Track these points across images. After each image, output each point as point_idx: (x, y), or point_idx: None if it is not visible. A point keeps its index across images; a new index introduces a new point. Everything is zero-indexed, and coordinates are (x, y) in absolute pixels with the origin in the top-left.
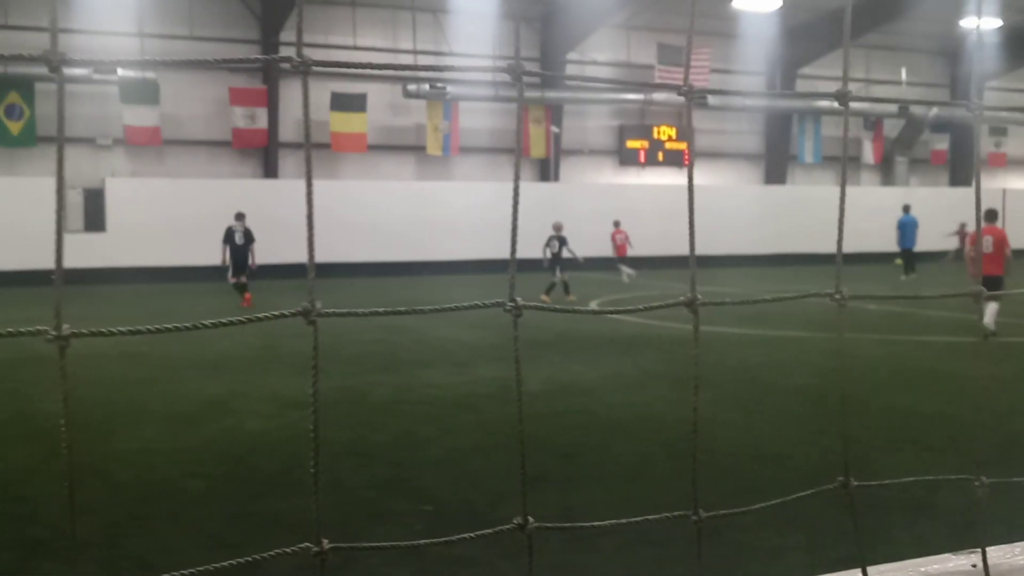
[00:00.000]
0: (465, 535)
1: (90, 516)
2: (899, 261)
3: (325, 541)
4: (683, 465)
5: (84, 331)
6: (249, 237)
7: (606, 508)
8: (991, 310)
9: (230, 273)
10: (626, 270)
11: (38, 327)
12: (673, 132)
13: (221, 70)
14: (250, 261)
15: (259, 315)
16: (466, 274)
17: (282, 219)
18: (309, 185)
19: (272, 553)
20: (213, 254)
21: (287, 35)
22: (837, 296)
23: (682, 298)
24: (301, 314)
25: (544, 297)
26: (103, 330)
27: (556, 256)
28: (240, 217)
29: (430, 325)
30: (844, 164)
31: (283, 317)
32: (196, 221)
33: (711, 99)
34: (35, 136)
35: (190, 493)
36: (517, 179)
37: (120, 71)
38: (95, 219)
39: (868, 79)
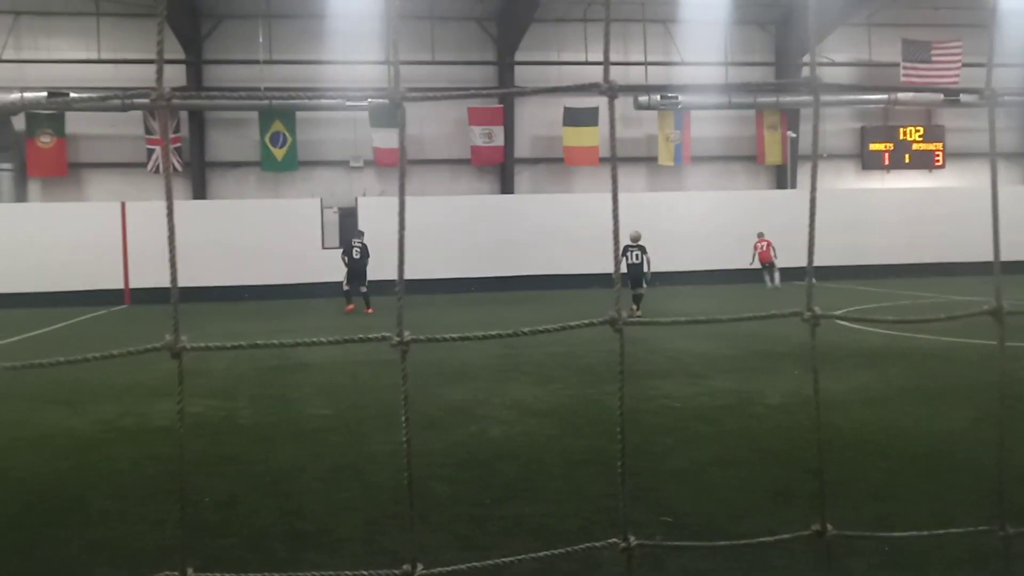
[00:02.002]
0: (763, 539)
1: (349, 513)
2: None
3: (632, 537)
4: (937, 485)
5: (422, 337)
6: (366, 252)
7: (855, 526)
8: None
9: (345, 283)
10: (769, 279)
11: (383, 334)
12: (921, 132)
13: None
14: (363, 275)
15: (570, 323)
16: (699, 284)
17: (518, 232)
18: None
19: (583, 547)
20: (452, 267)
21: (523, 55)
22: None
23: (986, 307)
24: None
25: (636, 310)
26: (437, 336)
27: (634, 267)
28: (360, 234)
29: (665, 335)
30: None
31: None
32: (441, 235)
33: (962, 96)
34: (296, 161)
35: (439, 495)
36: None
37: (369, 99)
38: (350, 236)
39: None
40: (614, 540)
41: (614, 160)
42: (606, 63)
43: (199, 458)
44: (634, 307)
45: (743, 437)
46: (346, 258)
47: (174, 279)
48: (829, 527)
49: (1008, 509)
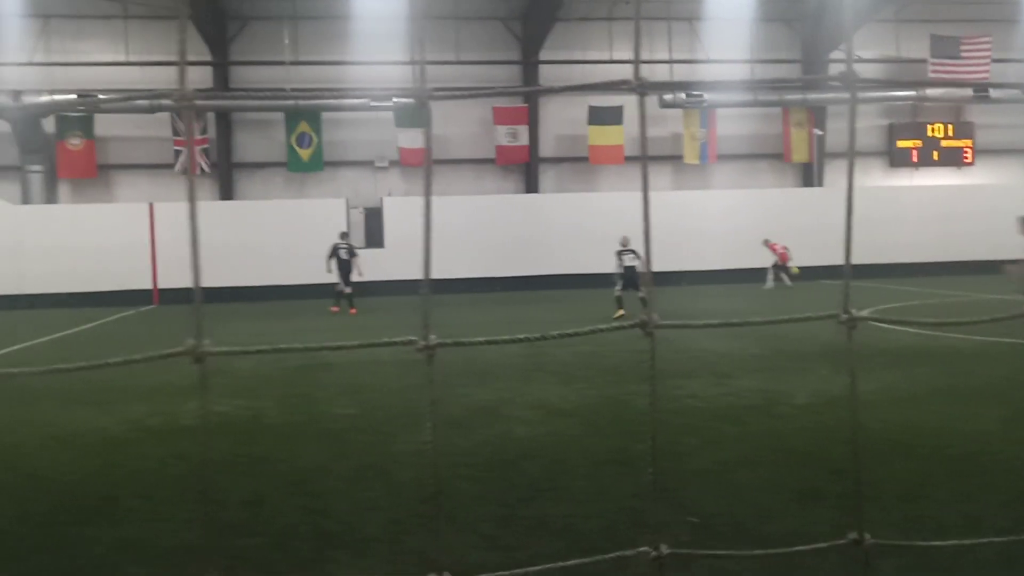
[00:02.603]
0: (801, 547)
1: (375, 513)
2: None
3: (663, 546)
4: (968, 486)
5: (448, 341)
6: (351, 253)
7: (883, 528)
8: None
9: (340, 283)
10: (771, 280)
11: (409, 337)
12: (950, 129)
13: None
14: (355, 273)
15: (600, 327)
16: (725, 283)
17: (542, 232)
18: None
19: (612, 555)
20: (476, 267)
21: (547, 54)
22: None
23: None
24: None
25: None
26: (463, 340)
27: (629, 270)
28: (344, 235)
29: (689, 335)
30: None
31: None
32: (466, 234)
33: (992, 91)
34: (322, 161)
35: (464, 495)
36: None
37: (394, 98)
38: (375, 235)
39: None
40: (644, 548)
41: (644, 159)
42: (636, 60)
43: (225, 458)
44: (621, 311)
45: (769, 437)
46: (333, 260)
47: (197, 282)
48: (867, 536)
49: None
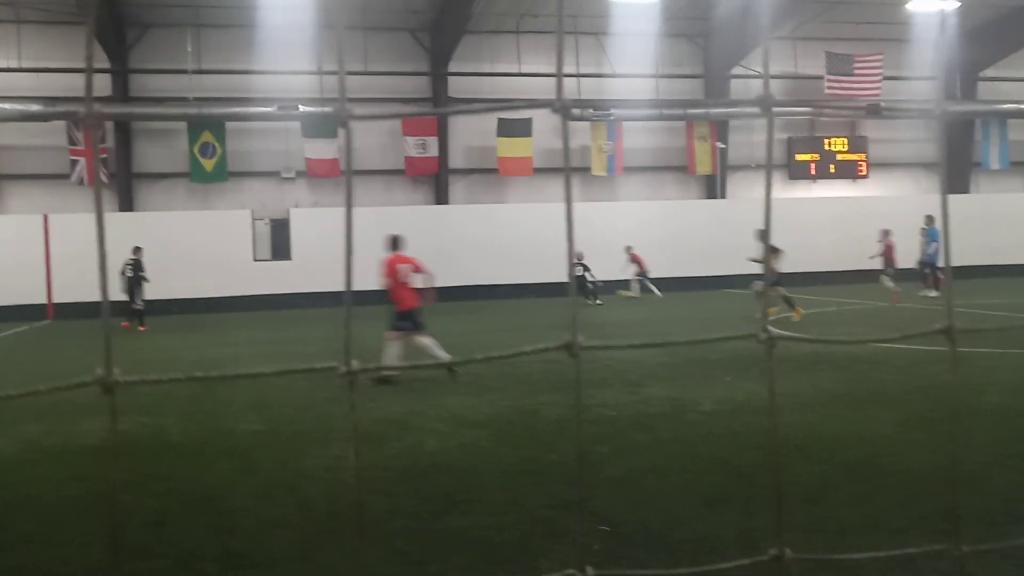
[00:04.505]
0: (721, 565)
1: (284, 530)
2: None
3: (590, 569)
4: (866, 487)
5: (370, 366)
6: (138, 268)
7: (788, 531)
8: None
9: (131, 300)
10: (634, 290)
11: (332, 363)
12: (845, 143)
13: (394, 102)
14: (138, 292)
15: (525, 349)
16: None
17: (453, 243)
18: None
19: None
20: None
21: (456, 66)
22: None
23: (938, 326)
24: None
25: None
26: (384, 366)
27: (580, 280)
28: (135, 250)
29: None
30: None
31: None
32: (376, 246)
33: (885, 107)
34: (226, 172)
35: (376, 509)
36: (569, 200)
37: (301, 107)
38: (281, 248)
39: None
40: (571, 572)
41: (568, 179)
42: (559, 78)
43: (127, 477)
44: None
45: (678, 444)
46: (124, 276)
47: (105, 308)
48: (788, 551)
49: (962, 526)
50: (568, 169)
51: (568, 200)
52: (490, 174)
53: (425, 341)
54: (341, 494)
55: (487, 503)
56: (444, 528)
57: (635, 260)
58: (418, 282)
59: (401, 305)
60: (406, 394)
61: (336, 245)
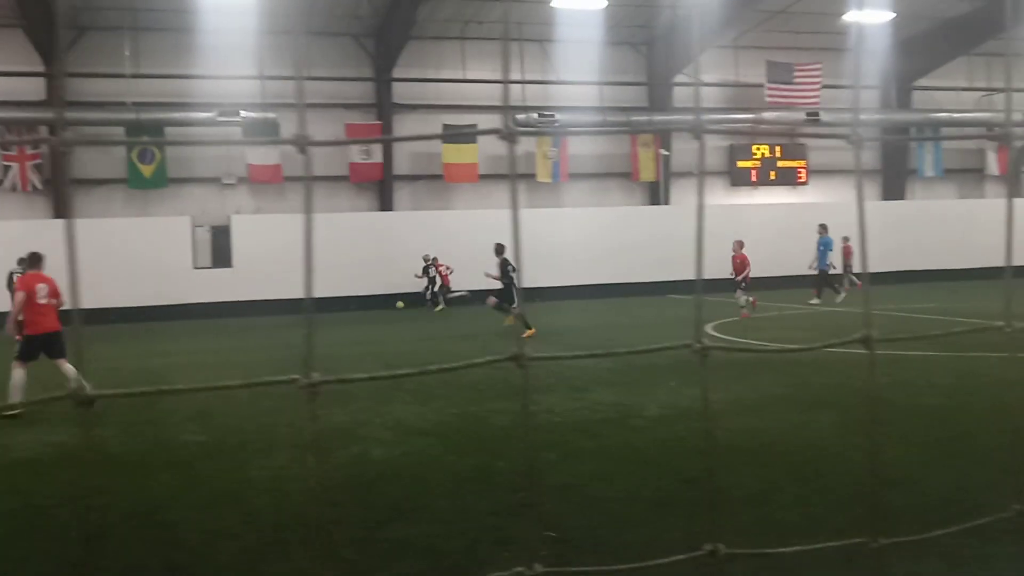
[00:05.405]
0: (659, 560)
1: (228, 541)
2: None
3: (538, 565)
4: (809, 490)
5: (331, 378)
6: (10, 280)
7: (732, 533)
8: None
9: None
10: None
11: (292, 376)
12: (783, 151)
13: (338, 108)
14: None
15: (475, 361)
16: (579, 299)
17: (397, 250)
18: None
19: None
20: (333, 286)
21: (401, 71)
22: (1008, 329)
23: (857, 336)
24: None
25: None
26: (346, 377)
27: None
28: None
29: (546, 350)
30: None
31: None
32: (318, 254)
33: (823, 115)
34: (166, 178)
35: (321, 519)
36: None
37: (242, 112)
38: (222, 255)
39: (990, 88)
40: (520, 570)
41: (515, 199)
42: (505, 107)
43: (65, 490)
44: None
45: (624, 449)
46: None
47: (79, 320)
48: (721, 546)
49: (878, 519)
50: (515, 188)
51: (515, 220)
52: (436, 180)
53: (70, 368)
54: (286, 505)
55: (434, 511)
56: (391, 537)
57: (438, 271)
58: (53, 305)
59: (34, 329)
60: (351, 403)
61: (278, 252)
